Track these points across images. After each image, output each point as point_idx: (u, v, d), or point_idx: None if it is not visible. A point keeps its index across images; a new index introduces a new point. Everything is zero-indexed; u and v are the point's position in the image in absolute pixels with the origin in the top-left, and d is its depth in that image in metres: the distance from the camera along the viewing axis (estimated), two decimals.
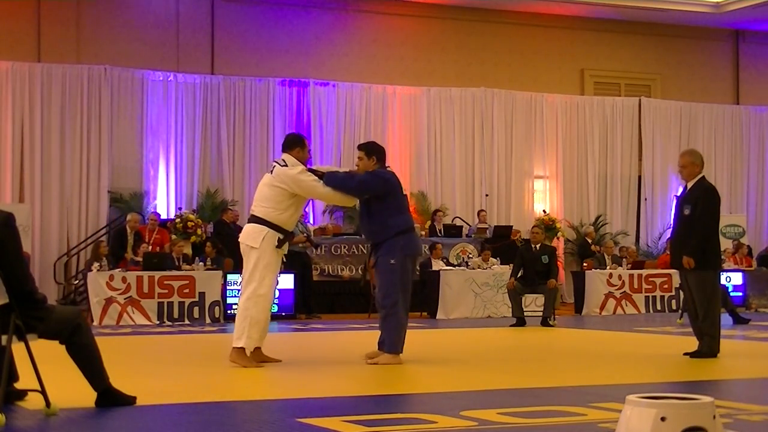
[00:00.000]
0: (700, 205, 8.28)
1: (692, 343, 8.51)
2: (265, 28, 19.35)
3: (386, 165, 8.26)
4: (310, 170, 8.05)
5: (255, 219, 7.99)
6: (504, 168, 20.42)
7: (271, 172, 8.07)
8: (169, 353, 9.84)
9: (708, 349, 8.27)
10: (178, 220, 16.15)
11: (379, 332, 8.06)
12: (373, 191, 7.98)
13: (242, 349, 7.76)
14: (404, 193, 8.39)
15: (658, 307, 16.41)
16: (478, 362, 8.22)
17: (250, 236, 7.94)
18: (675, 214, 8.68)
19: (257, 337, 7.84)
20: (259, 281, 7.82)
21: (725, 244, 19.54)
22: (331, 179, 7.97)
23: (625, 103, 21.54)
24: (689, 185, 8.47)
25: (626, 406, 3.21)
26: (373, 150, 8.20)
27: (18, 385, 5.66)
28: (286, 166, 7.96)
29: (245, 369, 7.62)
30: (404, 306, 7.97)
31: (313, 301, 15.72)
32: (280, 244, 7.90)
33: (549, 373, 7.61)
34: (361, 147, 8.35)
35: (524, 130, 20.63)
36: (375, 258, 8.08)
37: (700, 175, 8.48)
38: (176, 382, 7.01)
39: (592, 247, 18.76)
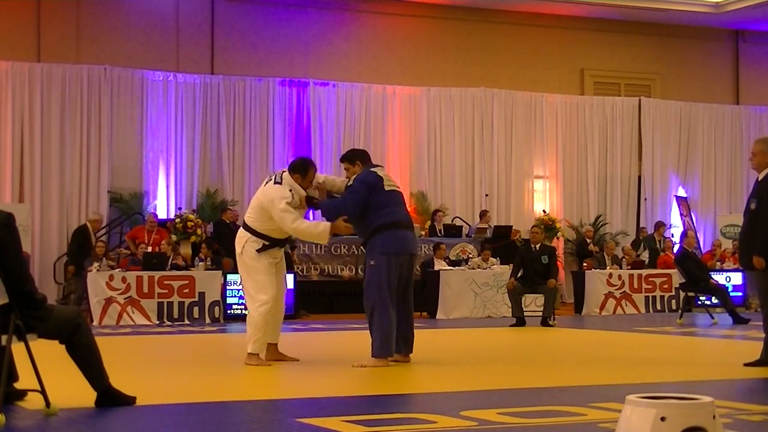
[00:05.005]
0: (765, 199, 7.56)
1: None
2: (265, 28, 19.35)
3: (373, 165, 8.07)
4: (308, 198, 7.93)
5: (243, 225, 8.10)
6: (504, 168, 20.41)
7: (266, 182, 8.01)
8: (169, 353, 9.84)
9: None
10: (177, 220, 16.15)
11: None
12: (362, 201, 7.70)
13: (255, 354, 7.85)
14: (393, 187, 7.93)
15: (658, 307, 16.41)
16: (478, 362, 8.21)
17: (237, 241, 8.06)
18: (744, 209, 7.91)
19: (264, 339, 7.87)
20: (254, 287, 7.86)
21: (725, 244, 19.55)
22: (329, 211, 7.92)
23: (625, 103, 21.54)
24: (760, 177, 7.70)
25: (626, 406, 3.21)
26: (354, 156, 8.09)
27: (18, 385, 5.65)
28: (280, 184, 7.80)
29: (250, 368, 7.65)
30: (390, 307, 7.64)
31: (297, 301, 15.47)
32: (260, 249, 7.84)
33: (549, 373, 7.60)
34: (343, 159, 8.20)
35: (524, 130, 20.62)
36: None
37: None
38: (176, 382, 7.01)
39: (590, 246, 18.75)
